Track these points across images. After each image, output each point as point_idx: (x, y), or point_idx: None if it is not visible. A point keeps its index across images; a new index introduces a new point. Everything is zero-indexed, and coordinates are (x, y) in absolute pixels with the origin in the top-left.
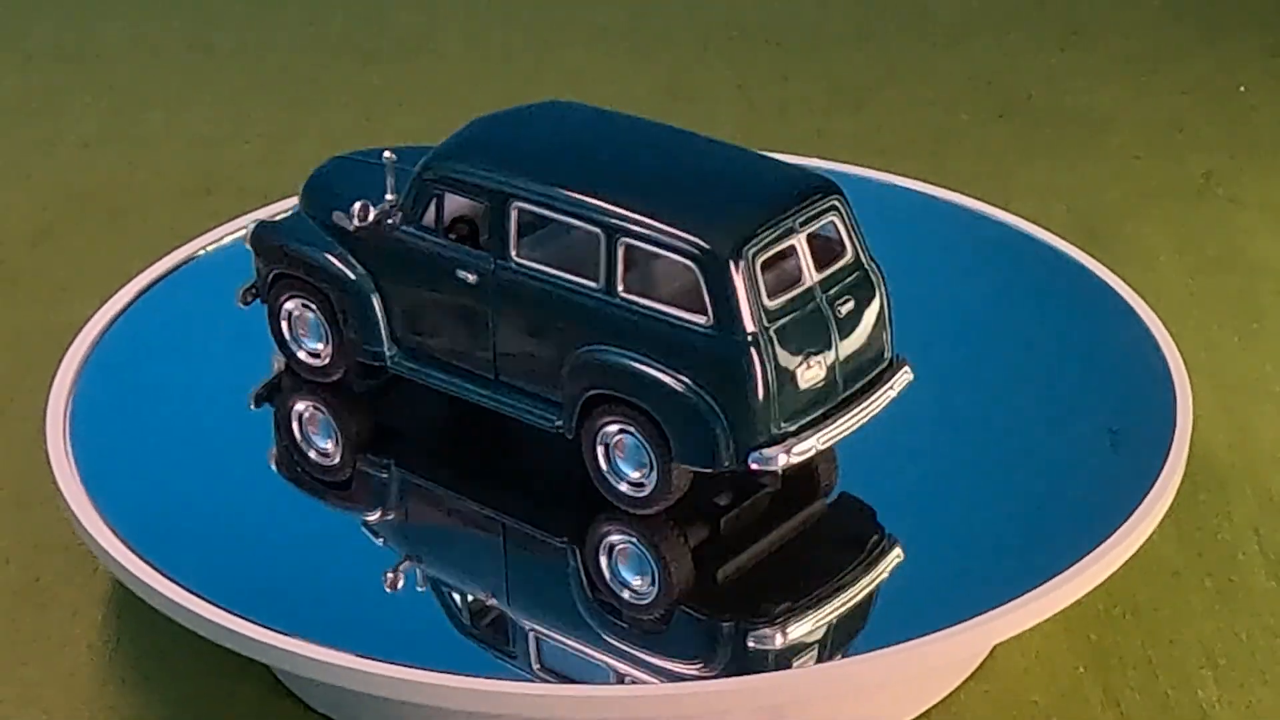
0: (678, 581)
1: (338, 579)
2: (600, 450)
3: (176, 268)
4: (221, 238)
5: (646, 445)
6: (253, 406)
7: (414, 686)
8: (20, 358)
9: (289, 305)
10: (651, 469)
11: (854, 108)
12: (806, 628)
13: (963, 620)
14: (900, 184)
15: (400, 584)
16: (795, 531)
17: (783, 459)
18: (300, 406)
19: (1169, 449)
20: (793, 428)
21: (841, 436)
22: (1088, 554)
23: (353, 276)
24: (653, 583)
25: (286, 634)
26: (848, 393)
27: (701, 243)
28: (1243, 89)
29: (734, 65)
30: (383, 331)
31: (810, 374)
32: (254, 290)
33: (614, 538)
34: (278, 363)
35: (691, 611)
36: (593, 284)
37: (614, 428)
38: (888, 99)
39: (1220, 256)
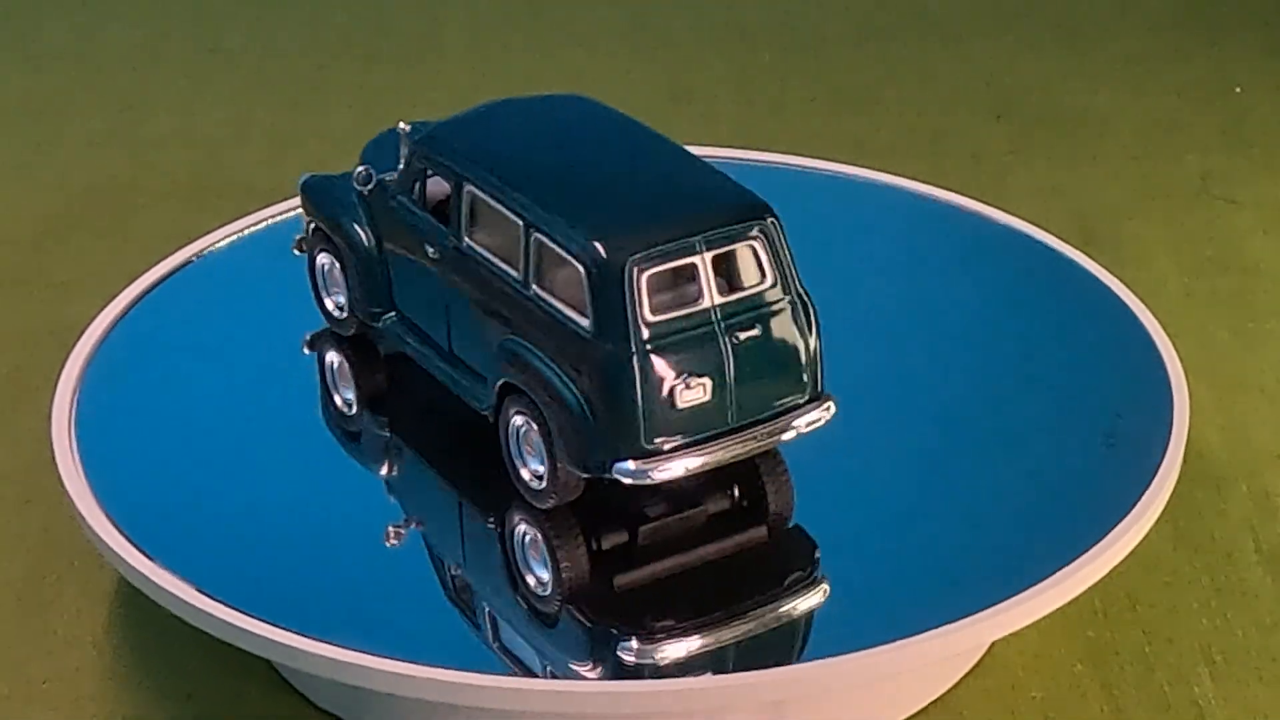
0: (571, 580)
1: (341, 577)
2: (513, 440)
3: (180, 267)
4: (225, 237)
5: (540, 440)
6: (307, 350)
7: (417, 682)
8: (25, 356)
9: (321, 258)
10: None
11: (853, 109)
12: (691, 641)
13: (961, 618)
14: (899, 184)
15: (398, 540)
16: (780, 524)
17: (658, 474)
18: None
19: (1166, 447)
20: (668, 445)
21: (723, 462)
22: (1085, 552)
23: (361, 238)
24: (550, 577)
25: (290, 630)
26: (743, 421)
27: (594, 247)
28: (1239, 90)
29: (734, 66)
30: (381, 294)
31: (691, 395)
32: (304, 240)
33: (523, 529)
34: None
35: (580, 614)
36: (515, 275)
37: (519, 419)
38: (887, 100)
39: (1216, 256)
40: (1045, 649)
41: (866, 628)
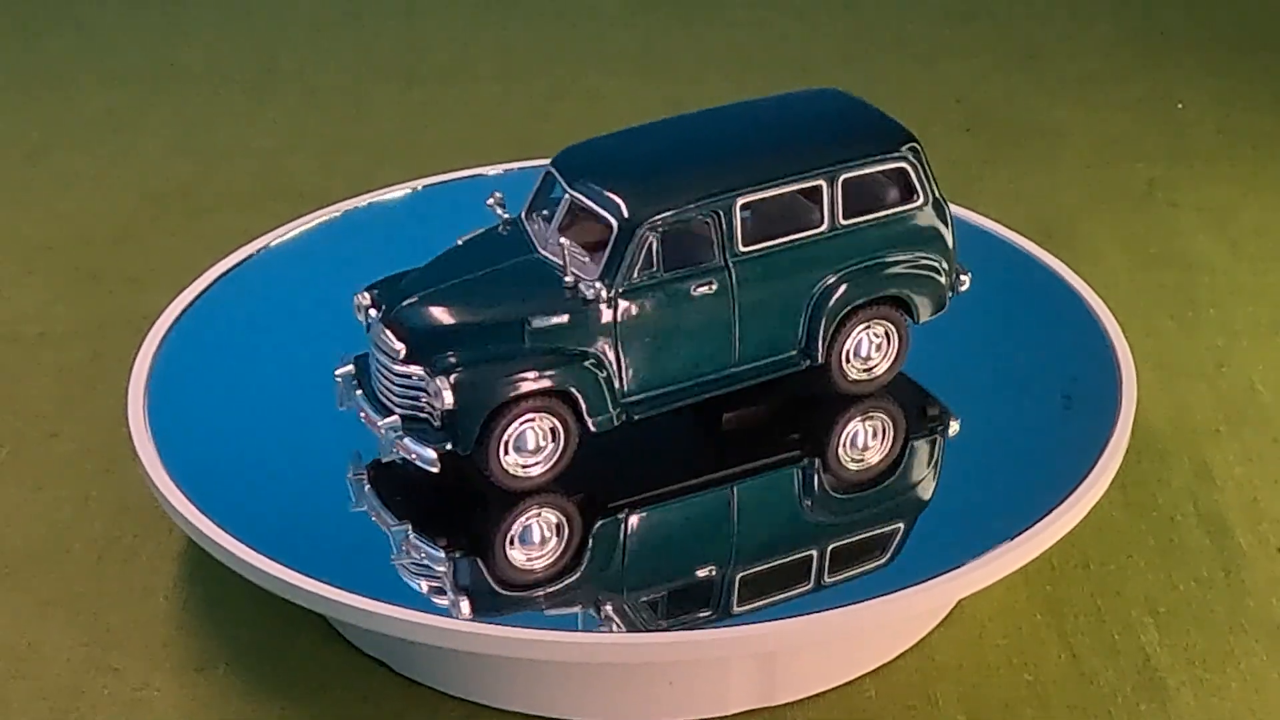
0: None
1: (386, 537)
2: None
3: (242, 263)
4: (280, 236)
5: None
6: None
7: (457, 635)
8: (104, 343)
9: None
10: None
11: None
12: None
13: (935, 576)
14: None
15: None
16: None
17: None
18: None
19: (1116, 423)
20: None
21: None
22: (1044, 516)
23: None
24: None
25: (340, 587)
26: None
27: None
28: (1180, 106)
29: (732, 84)
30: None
31: None
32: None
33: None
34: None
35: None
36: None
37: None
38: None
39: (1161, 254)
40: (1008, 602)
41: (848, 586)
